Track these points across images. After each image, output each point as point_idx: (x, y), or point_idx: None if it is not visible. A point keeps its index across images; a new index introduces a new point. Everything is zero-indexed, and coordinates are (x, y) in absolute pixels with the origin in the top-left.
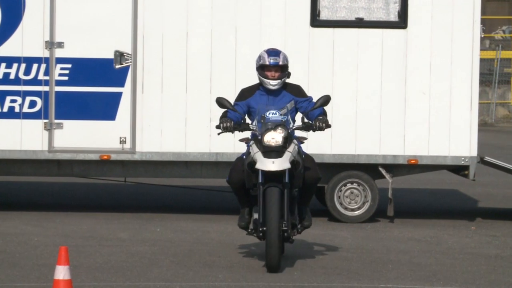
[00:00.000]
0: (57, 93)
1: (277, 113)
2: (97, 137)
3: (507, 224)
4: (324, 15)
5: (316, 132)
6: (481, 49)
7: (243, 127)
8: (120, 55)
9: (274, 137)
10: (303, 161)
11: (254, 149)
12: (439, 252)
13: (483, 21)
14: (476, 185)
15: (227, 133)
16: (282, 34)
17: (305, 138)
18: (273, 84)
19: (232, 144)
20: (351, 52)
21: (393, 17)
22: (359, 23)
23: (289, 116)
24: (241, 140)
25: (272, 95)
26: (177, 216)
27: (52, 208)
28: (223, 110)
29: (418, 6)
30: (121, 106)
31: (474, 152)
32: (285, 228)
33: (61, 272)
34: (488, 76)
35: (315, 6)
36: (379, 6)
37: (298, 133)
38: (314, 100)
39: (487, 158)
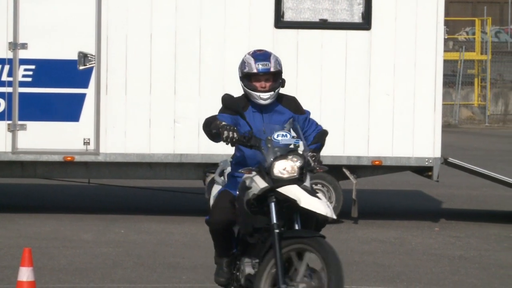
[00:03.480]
0: (20, 94)
1: (288, 135)
2: (61, 138)
3: (470, 225)
4: (288, 16)
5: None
6: (445, 51)
7: (254, 141)
8: (84, 56)
9: (287, 168)
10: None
11: (259, 182)
12: (403, 253)
13: (446, 23)
14: (440, 186)
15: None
16: (246, 35)
17: (325, 168)
18: (264, 97)
19: (196, 145)
20: (315, 54)
21: (357, 18)
22: (323, 25)
23: (303, 139)
24: (243, 171)
25: (266, 112)
26: (141, 218)
27: (15, 209)
28: (211, 116)
29: (382, 7)
30: (85, 108)
31: (437, 153)
32: None
33: (25, 274)
34: (452, 77)
35: (279, 8)
36: (343, 7)
37: None
38: (311, 116)
39: (451, 159)
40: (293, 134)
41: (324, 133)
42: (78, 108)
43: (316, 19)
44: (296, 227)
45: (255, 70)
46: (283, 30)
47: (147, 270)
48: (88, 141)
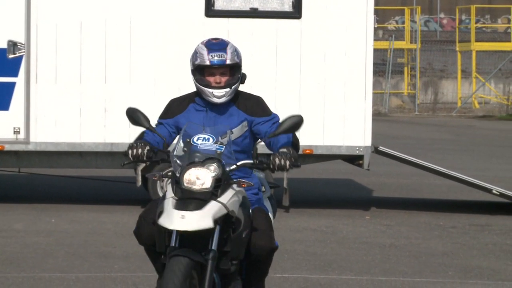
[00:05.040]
0: None
1: (211, 139)
2: None
3: (401, 213)
4: (218, 5)
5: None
6: (375, 40)
7: (160, 156)
8: (13, 45)
9: (199, 177)
10: (249, 220)
11: (169, 192)
12: (334, 242)
13: (376, 12)
14: (371, 174)
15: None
16: (177, 24)
17: (250, 185)
18: (218, 94)
19: (127, 134)
20: (246, 43)
21: (288, 7)
22: (254, 13)
23: (231, 147)
24: (149, 176)
25: (214, 111)
26: (72, 207)
27: None
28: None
29: None
30: (14, 96)
31: (368, 142)
32: None
33: None
34: (382, 66)
35: None
36: None
37: None
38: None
39: (381, 148)
40: (223, 140)
41: (295, 122)
42: (8, 97)
43: (247, 8)
44: (210, 246)
45: (207, 62)
46: (213, 19)
47: (78, 260)
48: (18, 130)
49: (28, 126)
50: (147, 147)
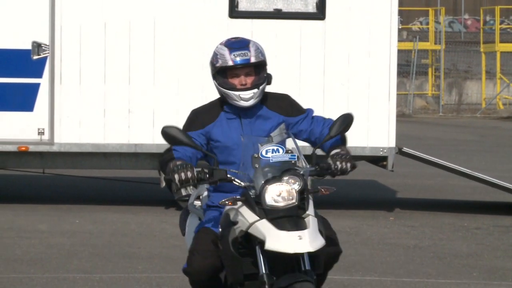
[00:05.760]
0: None
1: (281, 150)
2: (15, 128)
3: (425, 214)
4: (242, 6)
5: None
6: (399, 40)
7: (217, 175)
8: (37, 46)
9: (282, 193)
10: (324, 229)
11: (247, 215)
12: (358, 243)
13: (400, 12)
14: (395, 175)
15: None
16: (201, 25)
17: (332, 190)
18: (245, 97)
19: (151, 135)
20: (270, 44)
21: (311, 8)
22: (278, 14)
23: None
24: (222, 203)
25: (247, 118)
26: (96, 208)
27: None
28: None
29: None
30: (39, 97)
31: (392, 143)
32: None
33: None
34: (406, 67)
35: None
36: None
37: None
38: (316, 113)
39: (405, 149)
40: (289, 146)
41: (346, 118)
42: (32, 98)
43: (271, 9)
44: (303, 267)
45: (230, 63)
46: (237, 20)
47: (102, 260)
48: (42, 131)
49: (52, 127)
50: (195, 171)
